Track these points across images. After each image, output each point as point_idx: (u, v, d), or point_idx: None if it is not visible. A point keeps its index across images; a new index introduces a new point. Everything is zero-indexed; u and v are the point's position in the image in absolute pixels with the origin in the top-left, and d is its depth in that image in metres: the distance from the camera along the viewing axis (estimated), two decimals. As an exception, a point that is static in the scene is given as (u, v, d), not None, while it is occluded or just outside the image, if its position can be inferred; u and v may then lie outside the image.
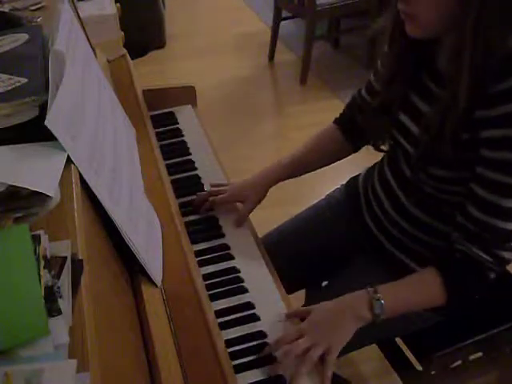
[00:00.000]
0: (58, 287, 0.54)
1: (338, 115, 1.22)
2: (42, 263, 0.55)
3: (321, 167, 1.21)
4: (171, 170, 1.22)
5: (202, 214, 1.12)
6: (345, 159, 1.21)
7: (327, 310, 0.91)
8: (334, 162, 1.21)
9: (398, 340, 1.17)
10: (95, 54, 1.19)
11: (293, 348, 0.84)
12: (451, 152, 0.88)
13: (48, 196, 0.62)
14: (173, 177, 1.20)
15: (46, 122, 0.64)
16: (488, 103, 0.82)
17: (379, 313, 0.88)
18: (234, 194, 1.13)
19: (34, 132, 0.69)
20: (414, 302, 0.94)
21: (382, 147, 1.11)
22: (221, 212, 1.13)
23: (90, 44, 1.14)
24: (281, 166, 1.17)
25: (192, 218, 1.11)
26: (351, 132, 1.18)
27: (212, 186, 1.17)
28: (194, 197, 1.16)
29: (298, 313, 0.93)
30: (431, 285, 0.91)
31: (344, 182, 1.27)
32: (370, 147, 1.14)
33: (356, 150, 1.21)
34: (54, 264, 0.56)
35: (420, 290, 0.93)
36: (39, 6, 1.22)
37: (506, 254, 0.89)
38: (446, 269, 0.92)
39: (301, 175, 1.19)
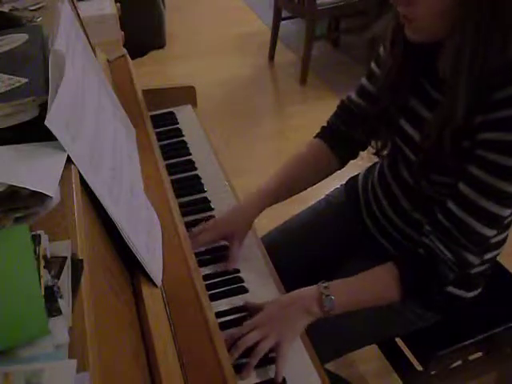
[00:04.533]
0: (58, 287, 0.54)
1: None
2: (42, 263, 0.55)
3: (306, 188, 1.14)
4: (171, 170, 1.22)
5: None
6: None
7: (279, 304, 0.92)
8: (320, 181, 1.15)
9: (398, 340, 1.17)
10: (95, 53, 1.19)
11: (244, 341, 0.85)
12: (452, 159, 0.88)
13: (48, 196, 0.62)
14: (173, 177, 1.20)
15: (46, 122, 0.64)
16: (489, 108, 0.82)
17: (329, 309, 0.89)
18: (218, 233, 1.05)
19: (34, 132, 0.69)
20: (367, 298, 0.94)
21: (383, 152, 1.11)
22: (221, 213, 1.12)
23: (90, 44, 1.14)
24: (263, 194, 1.09)
25: (192, 218, 1.11)
26: (339, 145, 1.13)
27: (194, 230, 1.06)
28: (194, 197, 1.16)
29: (255, 306, 0.93)
30: (387, 281, 0.92)
31: (343, 182, 1.27)
32: (369, 148, 1.13)
33: (343, 164, 1.16)
34: (54, 264, 0.56)
35: (374, 286, 0.94)
36: (39, 5, 1.22)
37: (470, 257, 0.88)
38: (405, 263, 0.92)
39: (287, 198, 1.12)
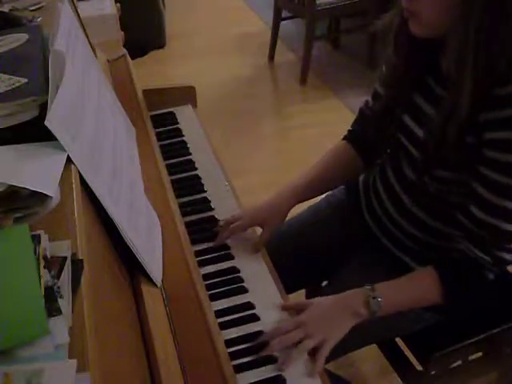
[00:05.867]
0: (58, 287, 0.54)
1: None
2: (42, 263, 0.55)
3: (337, 186, 1.17)
4: (171, 170, 1.22)
5: (216, 243, 1.04)
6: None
7: (325, 304, 0.93)
8: (349, 179, 1.19)
9: (398, 340, 1.16)
10: (95, 53, 1.19)
11: (287, 338, 0.86)
12: (456, 155, 0.88)
13: (48, 196, 0.62)
14: (173, 177, 1.20)
15: (46, 122, 0.64)
16: (495, 105, 0.82)
17: (376, 310, 0.90)
18: (252, 219, 1.06)
19: (34, 132, 0.69)
20: (412, 301, 0.96)
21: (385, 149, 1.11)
22: (221, 213, 1.13)
23: (90, 44, 1.15)
24: (298, 187, 1.10)
25: (192, 218, 1.11)
26: (364, 148, 1.15)
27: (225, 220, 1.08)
28: (194, 197, 1.16)
29: (296, 305, 0.94)
30: (429, 284, 0.93)
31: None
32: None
33: (368, 165, 1.18)
34: (54, 264, 0.56)
35: (418, 288, 0.95)
36: (39, 5, 1.22)
37: (506, 255, 0.89)
38: (444, 268, 0.93)
39: (317, 196, 1.15)
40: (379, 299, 0.90)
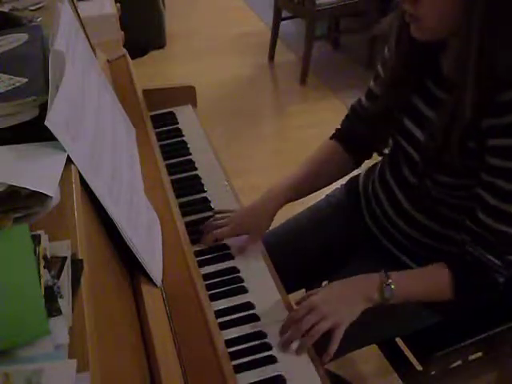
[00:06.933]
0: (58, 287, 0.54)
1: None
2: (42, 263, 0.55)
3: (325, 186, 1.16)
4: (171, 170, 1.22)
5: (208, 244, 1.05)
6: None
7: (338, 287, 0.94)
8: (337, 180, 1.18)
9: (398, 340, 1.16)
10: (95, 53, 1.19)
11: (304, 324, 0.87)
12: (458, 160, 0.88)
13: (48, 196, 0.62)
14: (173, 177, 1.20)
15: (46, 122, 0.64)
16: (497, 111, 0.82)
17: (388, 297, 0.91)
18: (237, 227, 1.06)
19: (34, 132, 0.69)
20: (423, 293, 0.96)
21: (385, 151, 1.11)
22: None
23: (90, 44, 1.14)
24: (283, 189, 1.10)
25: (192, 218, 1.11)
26: (353, 146, 1.14)
27: (216, 213, 1.10)
28: (193, 197, 1.16)
29: (307, 295, 0.94)
30: (441, 280, 0.93)
31: (343, 182, 1.27)
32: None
33: (357, 165, 1.18)
34: (54, 264, 0.56)
35: (430, 282, 0.95)
36: (39, 5, 1.22)
37: None
38: (457, 268, 0.92)
39: (305, 196, 1.14)
40: (392, 286, 0.90)
